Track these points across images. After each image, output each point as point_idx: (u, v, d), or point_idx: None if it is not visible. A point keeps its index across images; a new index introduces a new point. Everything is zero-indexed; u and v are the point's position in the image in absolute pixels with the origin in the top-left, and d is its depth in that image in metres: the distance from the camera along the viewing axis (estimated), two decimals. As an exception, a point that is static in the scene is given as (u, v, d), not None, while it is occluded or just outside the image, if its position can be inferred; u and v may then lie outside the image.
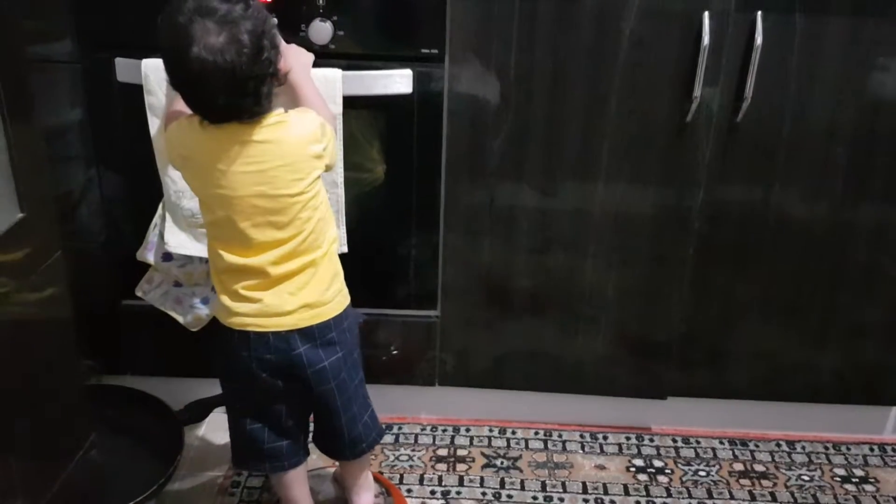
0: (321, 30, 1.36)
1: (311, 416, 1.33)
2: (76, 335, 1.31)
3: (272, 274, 1.17)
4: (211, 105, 1.09)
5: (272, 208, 1.13)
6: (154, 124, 1.32)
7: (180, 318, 1.47)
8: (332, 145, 1.20)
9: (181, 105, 1.17)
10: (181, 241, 1.38)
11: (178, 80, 1.09)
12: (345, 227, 1.41)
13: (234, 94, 1.07)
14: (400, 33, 1.39)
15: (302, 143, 1.14)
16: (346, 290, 1.27)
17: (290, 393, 1.23)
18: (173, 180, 1.34)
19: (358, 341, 1.29)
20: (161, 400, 1.56)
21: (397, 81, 1.38)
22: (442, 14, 1.37)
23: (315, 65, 1.29)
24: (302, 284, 1.19)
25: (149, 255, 1.42)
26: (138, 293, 1.46)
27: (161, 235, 1.40)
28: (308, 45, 1.34)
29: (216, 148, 1.12)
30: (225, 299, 1.20)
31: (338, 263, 1.26)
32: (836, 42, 1.39)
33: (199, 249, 1.38)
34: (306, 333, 1.20)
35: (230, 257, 1.17)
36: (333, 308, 1.22)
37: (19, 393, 1.16)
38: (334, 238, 1.24)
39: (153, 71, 1.29)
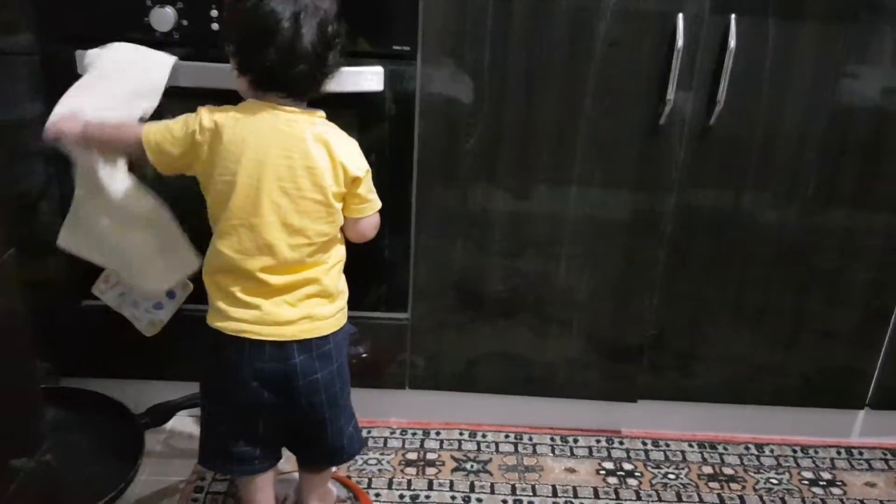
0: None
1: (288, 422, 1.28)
2: (33, 336, 1.27)
3: (272, 283, 1.15)
4: (261, 60, 1.10)
5: (294, 209, 1.14)
6: None
7: (136, 323, 1.44)
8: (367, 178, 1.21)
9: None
10: (75, 241, 1.33)
11: (246, 22, 1.11)
12: None
13: (291, 57, 1.09)
14: (371, 29, 1.37)
15: (347, 156, 1.16)
16: (346, 307, 1.27)
17: (274, 402, 1.21)
18: (87, 173, 1.28)
19: (346, 353, 1.29)
20: (121, 403, 1.52)
21: (368, 78, 1.36)
22: (414, 10, 1.35)
23: None
24: (303, 296, 1.18)
25: None
26: (94, 292, 1.42)
27: None
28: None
29: (257, 128, 1.12)
30: (220, 303, 1.17)
31: (343, 281, 1.26)
32: (808, 47, 1.39)
33: (87, 254, 1.33)
34: (304, 344, 1.19)
35: (233, 255, 1.15)
36: (334, 324, 1.23)
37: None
38: (341, 257, 1.24)
39: (91, 60, 1.28)
